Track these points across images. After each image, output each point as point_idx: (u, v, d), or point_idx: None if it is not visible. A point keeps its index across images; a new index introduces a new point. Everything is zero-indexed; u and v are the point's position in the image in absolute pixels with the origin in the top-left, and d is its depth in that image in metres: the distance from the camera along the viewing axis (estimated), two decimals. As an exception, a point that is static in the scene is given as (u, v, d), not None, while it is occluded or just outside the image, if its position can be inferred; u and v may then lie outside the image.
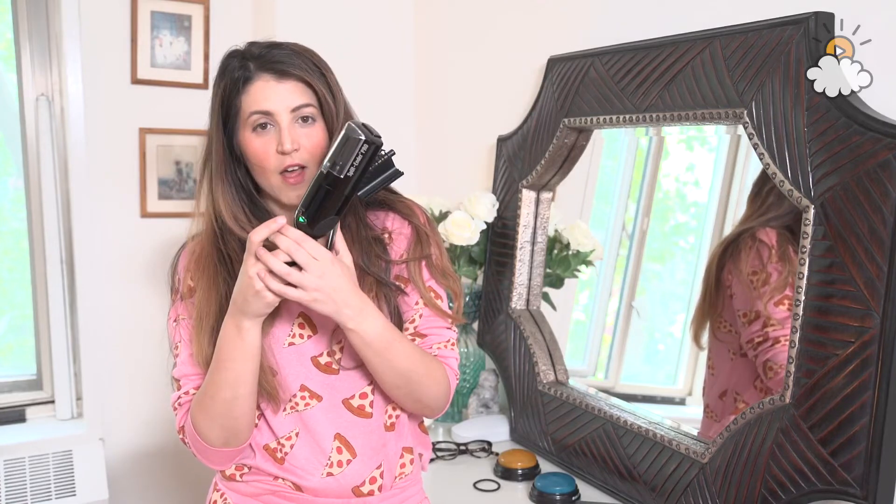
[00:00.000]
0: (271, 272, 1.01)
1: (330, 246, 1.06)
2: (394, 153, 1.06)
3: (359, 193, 1.04)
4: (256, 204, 1.18)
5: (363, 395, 1.17)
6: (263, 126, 1.11)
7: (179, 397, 1.16)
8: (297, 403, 1.15)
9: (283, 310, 1.13)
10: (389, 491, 1.19)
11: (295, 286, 1.01)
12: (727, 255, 1.43)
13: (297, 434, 1.15)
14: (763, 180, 1.32)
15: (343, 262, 1.06)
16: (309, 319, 1.16)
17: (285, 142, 1.10)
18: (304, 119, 1.12)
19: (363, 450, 1.16)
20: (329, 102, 1.13)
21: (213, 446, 1.12)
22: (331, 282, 1.02)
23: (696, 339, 1.52)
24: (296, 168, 1.12)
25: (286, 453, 1.15)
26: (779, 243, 1.34)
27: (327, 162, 1.00)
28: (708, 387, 1.50)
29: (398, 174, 1.06)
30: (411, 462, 1.22)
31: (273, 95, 1.10)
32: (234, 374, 1.07)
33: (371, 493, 1.17)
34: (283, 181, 1.12)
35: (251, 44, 1.15)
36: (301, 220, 1.02)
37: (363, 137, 0.98)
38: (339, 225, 1.06)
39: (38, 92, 2.07)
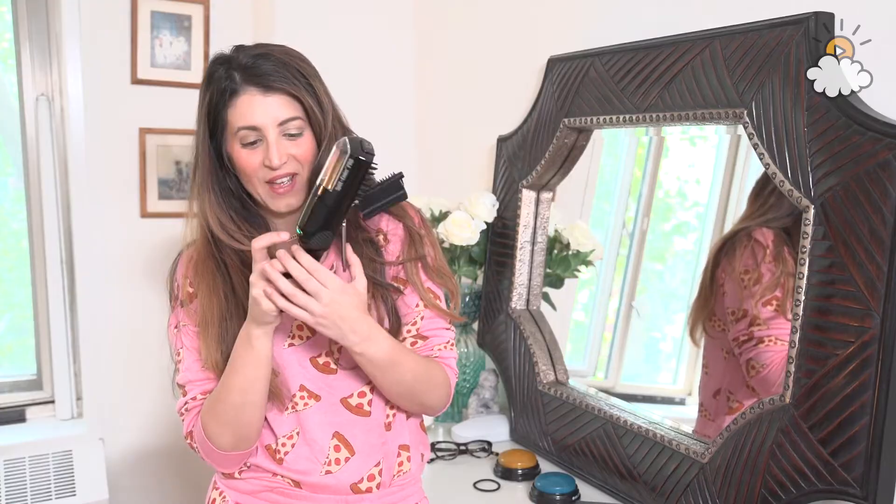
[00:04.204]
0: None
1: (345, 264, 1.08)
2: (402, 176, 1.08)
3: (363, 213, 1.08)
4: (249, 210, 1.18)
5: (361, 394, 1.17)
6: (252, 140, 1.11)
7: (186, 403, 1.17)
8: (296, 403, 1.16)
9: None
10: (388, 488, 1.19)
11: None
12: (723, 253, 1.43)
13: (297, 433, 1.16)
14: (765, 181, 1.32)
15: (355, 289, 1.06)
16: None
17: (273, 157, 1.10)
18: (292, 132, 1.12)
19: (362, 447, 1.17)
20: (316, 114, 1.13)
21: (223, 451, 1.13)
22: (338, 310, 1.03)
23: (692, 336, 1.52)
24: (284, 179, 1.12)
25: (286, 453, 1.16)
26: (775, 244, 1.34)
27: (321, 176, 1.02)
28: (703, 385, 1.50)
29: (403, 197, 1.10)
30: (409, 460, 1.22)
31: (259, 110, 1.10)
32: (245, 381, 1.08)
33: (369, 490, 1.17)
34: (270, 190, 1.13)
35: (238, 49, 1.14)
36: (298, 231, 1.04)
37: (349, 152, 0.99)
38: (350, 249, 1.08)
39: (38, 92, 2.07)
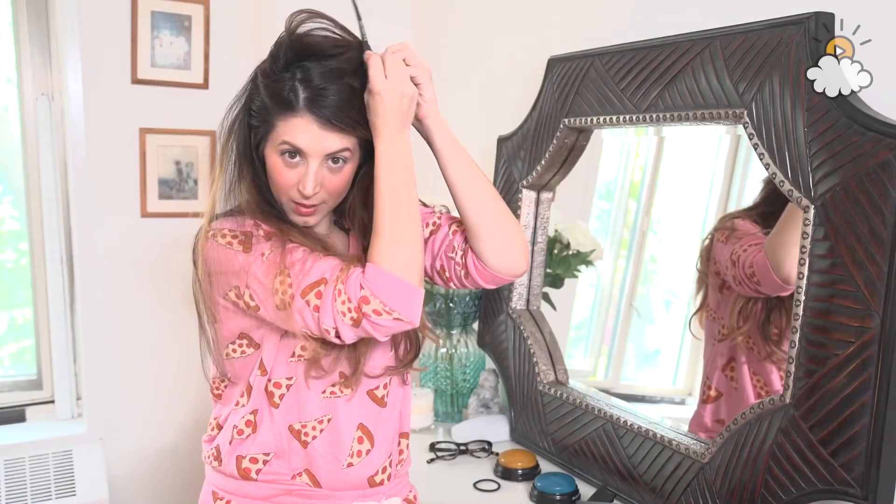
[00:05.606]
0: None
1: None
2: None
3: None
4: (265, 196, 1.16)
5: (385, 385, 1.20)
6: (292, 155, 1.08)
7: (337, 279, 1.03)
8: (335, 390, 1.16)
9: None
10: (395, 479, 1.23)
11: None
12: (712, 244, 1.48)
13: (328, 420, 1.16)
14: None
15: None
16: None
17: (308, 186, 1.08)
18: (336, 160, 1.10)
19: (380, 439, 1.19)
20: (368, 142, 1.11)
21: (414, 284, 1.04)
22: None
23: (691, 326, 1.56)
24: (311, 205, 1.11)
25: (314, 437, 1.16)
26: (749, 221, 1.40)
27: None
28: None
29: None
30: (407, 448, 1.26)
31: (311, 139, 1.07)
32: (411, 189, 1.12)
33: (381, 483, 1.20)
34: (293, 206, 1.12)
35: (312, 63, 1.06)
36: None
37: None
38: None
39: (38, 91, 2.07)
